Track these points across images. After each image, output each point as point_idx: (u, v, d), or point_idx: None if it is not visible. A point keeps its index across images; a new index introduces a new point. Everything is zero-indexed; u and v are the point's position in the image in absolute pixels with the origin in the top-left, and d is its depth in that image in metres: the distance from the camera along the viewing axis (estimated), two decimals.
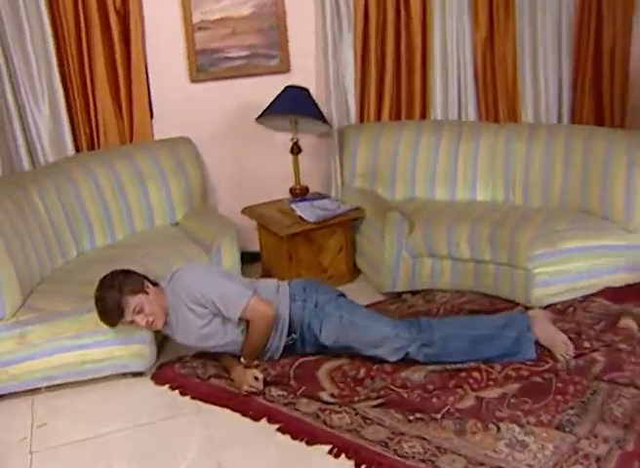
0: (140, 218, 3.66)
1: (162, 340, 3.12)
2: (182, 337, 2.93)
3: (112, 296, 2.71)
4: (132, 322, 2.75)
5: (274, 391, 2.78)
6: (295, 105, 3.71)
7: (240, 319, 2.81)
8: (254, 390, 2.76)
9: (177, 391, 2.87)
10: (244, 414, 2.69)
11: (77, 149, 3.70)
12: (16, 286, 2.82)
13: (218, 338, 2.87)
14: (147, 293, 2.80)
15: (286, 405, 2.70)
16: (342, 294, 3.07)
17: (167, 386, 2.89)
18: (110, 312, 2.72)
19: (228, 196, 4.17)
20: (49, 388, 2.93)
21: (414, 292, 3.63)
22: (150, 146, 3.77)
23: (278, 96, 3.74)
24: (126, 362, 2.93)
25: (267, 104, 3.74)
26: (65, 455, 2.53)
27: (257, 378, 2.79)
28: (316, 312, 2.90)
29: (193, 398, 2.83)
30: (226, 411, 2.71)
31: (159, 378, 2.97)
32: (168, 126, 3.89)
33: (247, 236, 4.12)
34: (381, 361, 2.88)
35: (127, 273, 2.84)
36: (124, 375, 2.97)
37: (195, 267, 2.99)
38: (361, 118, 4.20)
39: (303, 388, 2.77)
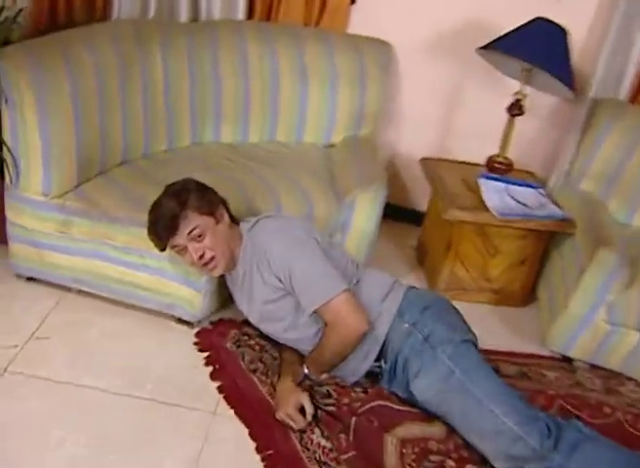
0: (287, 125, 2.84)
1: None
2: (244, 303, 2.20)
3: (171, 205, 2.02)
4: (183, 250, 2.04)
5: (317, 437, 1.94)
6: (536, 50, 2.47)
7: (315, 315, 2.02)
8: (290, 424, 1.96)
9: (209, 368, 2.19)
10: (258, 450, 1.91)
11: (250, 14, 2.90)
12: (71, 164, 2.24)
13: (283, 327, 2.10)
14: (217, 222, 2.07)
15: (320, 464, 1.87)
16: (474, 343, 2.07)
17: (203, 356, 2.22)
18: (162, 223, 2.01)
19: (410, 133, 3.16)
20: (80, 292, 2.41)
21: (593, 365, 2.48)
22: (334, 39, 2.84)
23: (519, 27, 2.55)
24: (172, 303, 2.30)
25: (500, 33, 2.58)
26: (31, 395, 1.99)
27: (302, 410, 1.99)
28: (422, 348, 1.98)
29: (220, 391, 2.11)
30: (244, 429, 1.99)
31: (203, 341, 2.30)
32: (368, 21, 2.92)
33: (418, 189, 3.20)
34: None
35: (203, 187, 2.11)
36: (166, 316, 2.36)
37: (289, 223, 2.13)
38: (633, 98, 2.80)
39: (354, 454, 1.89)
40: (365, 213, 2.45)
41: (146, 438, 1.91)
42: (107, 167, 2.41)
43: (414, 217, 3.26)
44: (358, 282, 2.11)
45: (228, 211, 2.15)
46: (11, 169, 2.20)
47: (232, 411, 2.03)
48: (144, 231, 2.07)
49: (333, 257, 2.08)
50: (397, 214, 3.24)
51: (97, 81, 2.28)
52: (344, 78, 2.79)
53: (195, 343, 2.29)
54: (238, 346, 2.27)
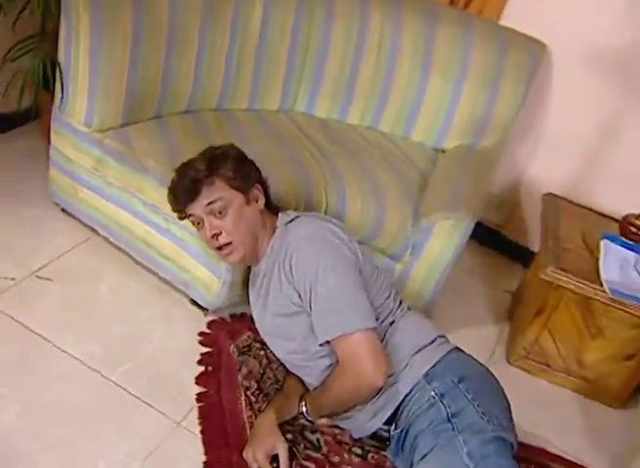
0: (394, 115, 2.42)
1: None
2: (257, 307, 1.85)
3: (201, 167, 1.71)
4: (200, 223, 1.73)
5: None
6: None
7: (329, 347, 1.64)
8: None
9: (201, 368, 1.87)
10: None
11: None
12: (118, 99, 1.99)
13: (290, 348, 1.74)
14: (247, 202, 1.74)
15: None
16: (511, 444, 1.54)
17: (201, 352, 1.91)
18: (183, 185, 1.71)
19: (543, 158, 2.61)
20: (106, 241, 2.18)
21: None
22: (477, 25, 2.36)
23: None
24: (189, 282, 2.01)
25: None
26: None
27: (273, 460, 1.62)
28: (441, 428, 1.52)
29: (198, 400, 1.79)
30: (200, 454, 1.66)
31: (209, 335, 1.99)
32: (527, 14, 2.41)
33: (537, 226, 2.56)
34: None
35: (244, 158, 1.79)
36: (183, 293, 2.07)
37: (330, 230, 1.70)
38: None
39: None
40: (443, 241, 1.99)
41: (95, 427, 1.65)
42: (166, 112, 2.14)
43: (526, 258, 2.71)
44: (393, 323, 1.70)
45: (267, 194, 1.81)
46: (60, 91, 2.01)
47: (199, 428, 1.70)
48: None
49: (371, 286, 1.68)
50: (508, 248, 2.77)
51: (170, 14, 2.00)
52: (475, 74, 2.31)
53: (200, 334, 1.98)
54: (243, 353, 1.92)
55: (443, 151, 2.42)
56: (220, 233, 1.70)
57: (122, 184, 2.00)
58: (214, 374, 1.88)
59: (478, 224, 2.08)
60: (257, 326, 1.89)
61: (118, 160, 1.97)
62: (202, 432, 1.70)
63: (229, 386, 1.84)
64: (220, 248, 1.72)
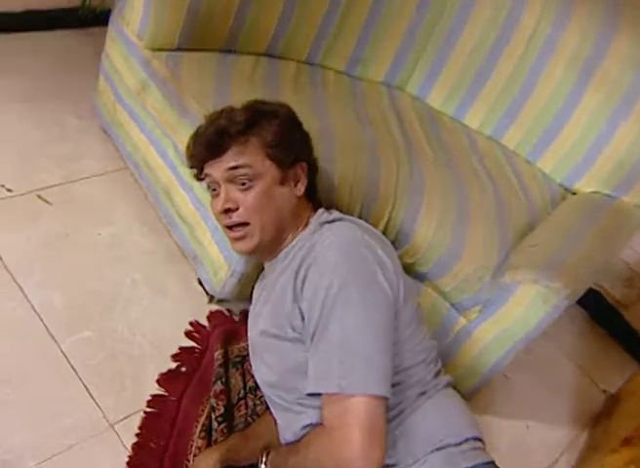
0: (524, 131, 1.89)
1: None
2: (253, 312, 1.42)
3: (239, 118, 1.30)
4: (214, 190, 1.32)
5: None
6: None
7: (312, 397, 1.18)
8: None
9: (172, 365, 1.52)
10: None
11: None
12: (176, 17, 1.63)
13: (268, 377, 1.31)
14: (283, 181, 1.31)
15: None
16: None
17: (185, 346, 1.57)
18: (209, 134, 1.31)
19: None
20: (134, 181, 1.86)
21: None
22: None
23: None
24: (199, 257, 1.65)
25: None
26: None
27: None
28: None
29: (149, 404, 1.44)
30: None
31: (201, 327, 1.63)
32: None
33: None
34: None
35: (297, 128, 1.38)
36: (193, 270, 1.72)
37: (370, 250, 1.22)
38: None
39: None
40: (524, 310, 1.48)
41: (11, 396, 1.33)
42: (239, 47, 1.76)
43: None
44: (420, 397, 1.22)
45: (312, 179, 1.38)
46: None
47: (132, 441, 1.36)
48: None
49: (404, 340, 1.22)
50: (625, 336, 2.23)
51: None
52: None
53: (191, 324, 1.62)
54: (229, 364, 1.55)
55: (573, 193, 1.88)
56: (237, 209, 1.29)
57: (160, 118, 1.65)
58: (184, 378, 1.52)
59: (595, 293, 1.58)
60: (248, 333, 1.47)
61: (161, 89, 1.62)
62: (133, 448, 1.35)
63: (195, 399, 1.48)
64: (230, 227, 1.32)
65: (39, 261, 1.58)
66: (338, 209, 1.42)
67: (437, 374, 1.30)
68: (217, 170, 1.30)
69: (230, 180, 1.29)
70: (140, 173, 1.81)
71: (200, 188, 1.56)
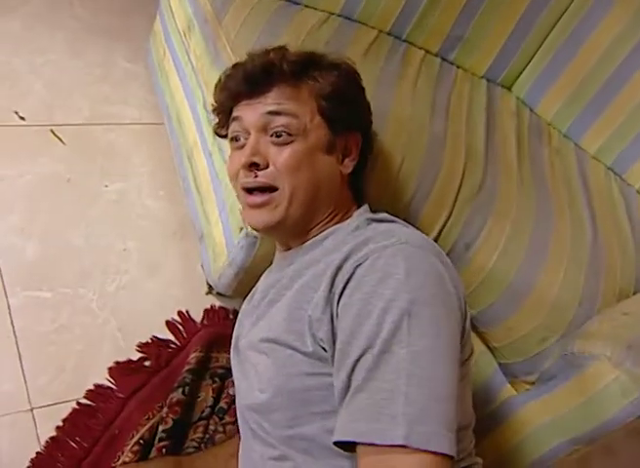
0: None
1: None
2: (245, 319, 1.11)
3: (290, 57, 1.04)
4: (236, 141, 1.04)
5: None
6: None
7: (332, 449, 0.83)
8: None
9: (136, 357, 1.29)
10: None
11: None
12: None
13: (253, 402, 0.97)
14: (331, 150, 1.04)
15: None
16: None
17: (160, 338, 1.33)
18: (250, 66, 1.04)
19: None
20: (162, 137, 1.62)
21: None
22: None
23: None
24: (204, 235, 1.40)
25: None
26: None
27: None
28: None
29: (87, 396, 1.20)
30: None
31: (187, 320, 1.39)
32: None
33: None
34: None
35: (360, 88, 1.11)
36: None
37: (446, 267, 0.92)
38: None
39: None
40: (592, 397, 1.08)
41: None
42: (309, 1, 1.47)
43: None
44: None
45: (362, 163, 1.10)
46: None
47: (50, 435, 1.13)
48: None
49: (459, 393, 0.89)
50: None
51: None
52: None
53: (179, 313, 1.37)
54: (198, 370, 1.27)
55: None
56: (267, 167, 1.00)
57: (197, 65, 1.40)
58: (143, 374, 1.27)
59: None
60: (233, 339, 1.16)
61: (202, 29, 1.39)
62: (48, 442, 1.12)
63: (145, 403, 1.22)
64: (250, 191, 1.02)
65: (23, 202, 1.40)
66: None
67: (472, 453, 0.99)
68: (251, 112, 1.02)
69: (264, 130, 1.01)
70: (171, 129, 1.59)
71: (219, 155, 1.31)
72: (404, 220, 1.09)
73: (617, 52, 1.48)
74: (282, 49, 1.09)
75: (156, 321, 1.35)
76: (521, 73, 1.61)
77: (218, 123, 1.13)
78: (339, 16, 1.52)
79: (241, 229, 1.26)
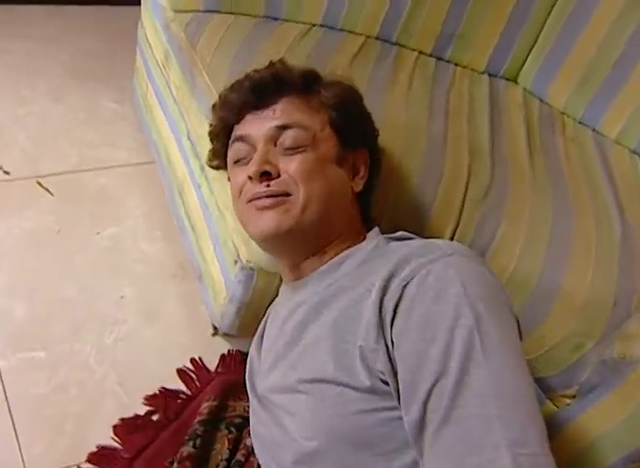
0: None
1: None
2: (267, 360, 1.04)
3: (298, 70, 1.05)
4: (237, 162, 1.02)
5: None
6: None
7: None
8: None
9: (144, 410, 1.23)
10: None
11: None
12: None
13: (301, 456, 0.88)
14: (341, 162, 1.03)
15: None
16: None
17: (167, 389, 1.27)
18: (260, 77, 1.04)
19: None
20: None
21: None
22: None
23: None
24: (203, 273, 1.36)
25: None
26: None
27: None
28: None
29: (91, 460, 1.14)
30: None
31: (200, 368, 1.32)
32: None
33: None
34: None
35: (362, 105, 1.11)
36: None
37: (490, 274, 0.87)
38: None
39: None
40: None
41: None
42: (286, 14, 1.44)
43: None
44: None
45: (370, 184, 1.08)
46: None
47: None
48: None
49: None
50: None
51: None
52: None
53: (192, 361, 1.32)
54: (212, 420, 1.19)
55: None
56: (278, 175, 0.96)
57: (178, 96, 1.39)
58: (151, 429, 1.21)
59: None
60: (247, 385, 1.10)
61: (177, 57, 1.37)
62: None
63: (154, 461, 1.16)
64: (257, 198, 0.96)
65: (12, 260, 1.39)
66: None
67: None
68: (259, 125, 1.00)
69: (273, 142, 0.98)
70: (162, 167, 1.57)
71: (207, 186, 1.27)
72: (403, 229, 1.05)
73: (622, 28, 1.41)
74: (284, 62, 1.09)
75: (160, 371, 1.29)
76: (524, 63, 1.55)
77: (212, 150, 1.11)
78: (321, 26, 1.49)
79: (236, 262, 1.22)
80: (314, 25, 1.48)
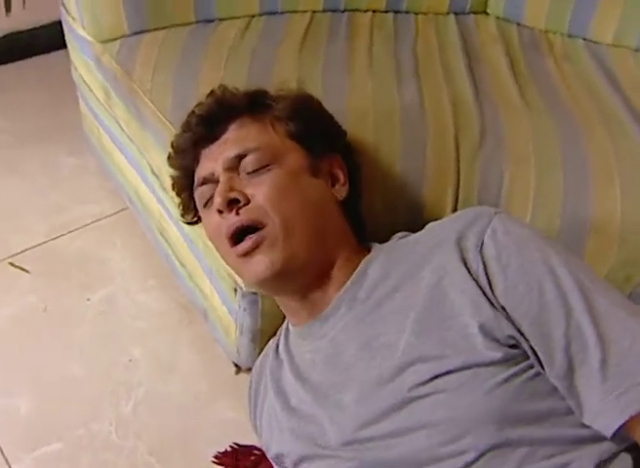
0: None
1: None
2: (319, 402, 0.96)
3: (238, 93, 1.05)
4: (205, 204, 1.00)
5: None
6: None
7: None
8: None
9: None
10: None
11: None
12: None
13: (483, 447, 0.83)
14: (316, 173, 1.02)
15: None
16: None
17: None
18: (207, 110, 1.02)
19: None
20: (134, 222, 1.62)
21: None
22: None
23: None
24: (207, 311, 1.34)
25: None
26: None
27: None
28: None
29: None
30: None
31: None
32: None
33: None
34: None
35: (322, 109, 1.08)
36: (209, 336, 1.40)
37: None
38: None
39: None
40: None
41: None
42: (219, 12, 1.41)
43: None
44: None
45: (355, 194, 1.07)
46: None
47: None
48: None
49: None
50: None
51: None
52: None
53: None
54: None
55: None
56: (247, 203, 0.94)
57: (129, 132, 1.37)
58: None
59: None
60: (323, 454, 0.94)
61: (117, 92, 1.35)
62: None
63: None
64: (237, 239, 0.94)
65: (1, 354, 1.36)
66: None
67: None
68: (215, 160, 0.98)
69: (232, 168, 0.98)
70: (137, 210, 1.55)
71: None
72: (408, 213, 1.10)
73: None
74: (229, 89, 1.08)
75: (191, 427, 1.27)
76: None
77: (181, 205, 1.09)
78: (260, 15, 1.46)
79: (235, 290, 1.19)
80: (253, 16, 1.45)
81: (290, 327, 1.06)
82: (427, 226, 1.01)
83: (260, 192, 0.94)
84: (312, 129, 1.04)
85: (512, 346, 0.85)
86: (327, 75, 1.25)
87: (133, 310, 1.46)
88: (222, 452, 1.27)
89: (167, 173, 1.17)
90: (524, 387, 0.84)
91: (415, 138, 1.16)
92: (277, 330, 1.21)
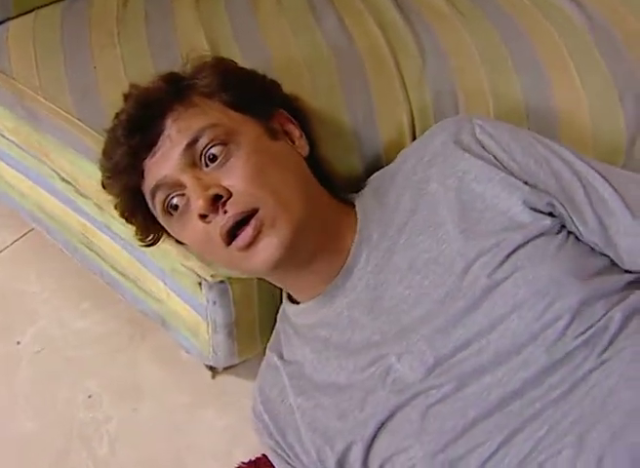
0: None
1: None
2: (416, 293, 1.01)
3: (155, 87, 1.05)
4: (174, 209, 1.00)
5: None
6: None
7: None
8: None
9: None
10: None
11: None
12: None
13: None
14: (275, 136, 1.05)
15: None
16: None
17: None
18: (125, 118, 1.03)
19: None
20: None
21: None
22: None
23: None
24: (165, 317, 1.34)
25: None
26: None
27: None
28: None
29: None
30: None
31: None
32: None
33: None
34: None
35: (241, 69, 1.14)
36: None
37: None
38: None
39: None
40: None
41: None
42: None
43: None
44: None
45: (311, 141, 1.13)
46: None
47: None
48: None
49: None
50: None
51: None
52: None
53: None
54: None
55: None
56: (229, 196, 0.96)
57: (21, 141, 1.35)
58: None
59: None
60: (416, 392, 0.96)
61: (25, 118, 1.31)
62: None
63: None
64: (234, 235, 0.96)
65: None
66: None
67: None
68: (165, 163, 0.99)
69: (194, 164, 0.99)
70: (47, 228, 1.52)
71: (118, 224, 1.21)
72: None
73: None
74: (144, 87, 1.08)
75: (179, 450, 1.28)
76: None
77: (138, 230, 1.09)
78: None
79: (200, 284, 1.20)
80: None
81: (296, 316, 1.09)
82: (401, 153, 1.11)
83: (237, 179, 0.97)
84: (247, 91, 1.08)
85: (550, 215, 1.00)
86: (236, 24, 1.28)
87: (73, 341, 1.45)
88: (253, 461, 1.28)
89: (82, 173, 1.17)
90: (577, 247, 0.99)
91: (354, 75, 1.21)
92: (254, 315, 1.26)
